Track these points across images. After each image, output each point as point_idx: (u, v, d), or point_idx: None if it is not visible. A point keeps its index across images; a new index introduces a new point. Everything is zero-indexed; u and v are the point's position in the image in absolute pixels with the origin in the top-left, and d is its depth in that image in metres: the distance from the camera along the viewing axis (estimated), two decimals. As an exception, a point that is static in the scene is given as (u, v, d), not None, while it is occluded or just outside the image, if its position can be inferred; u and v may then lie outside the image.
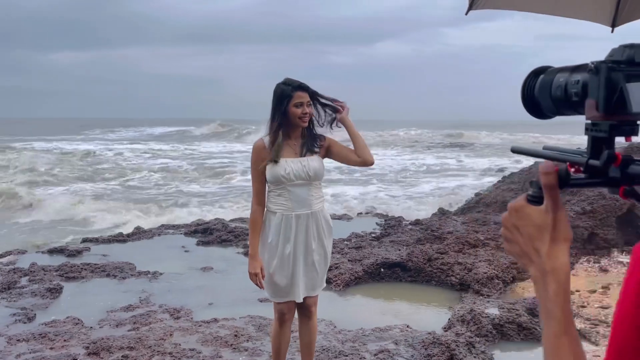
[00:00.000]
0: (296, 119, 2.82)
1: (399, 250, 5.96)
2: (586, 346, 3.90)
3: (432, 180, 14.48)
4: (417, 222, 7.88)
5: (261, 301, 4.74)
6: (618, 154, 0.70)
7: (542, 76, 0.81)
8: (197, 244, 7.19)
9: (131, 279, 5.62)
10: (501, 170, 15.95)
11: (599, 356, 3.64)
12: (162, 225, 8.44)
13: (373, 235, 7.25)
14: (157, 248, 7.04)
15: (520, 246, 0.75)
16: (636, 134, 0.72)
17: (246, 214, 9.20)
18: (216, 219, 8.49)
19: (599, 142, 0.72)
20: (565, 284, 0.70)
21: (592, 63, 0.70)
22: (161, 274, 5.78)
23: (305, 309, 2.99)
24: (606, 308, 4.55)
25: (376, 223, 8.36)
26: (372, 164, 2.91)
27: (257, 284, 2.88)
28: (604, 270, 5.50)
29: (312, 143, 2.89)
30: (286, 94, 2.80)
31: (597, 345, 3.89)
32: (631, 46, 0.70)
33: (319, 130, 2.94)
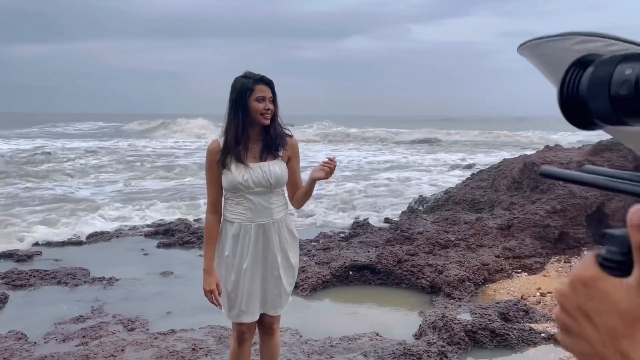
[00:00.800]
0: (257, 115, 2.51)
1: (368, 252, 5.76)
2: (561, 352, 3.77)
3: (396, 176, 14.28)
4: (386, 221, 7.72)
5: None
6: None
7: (590, 68, 0.53)
8: (158, 246, 6.86)
9: (84, 287, 5.26)
10: (469, 166, 15.96)
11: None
12: (121, 226, 8.05)
13: (342, 235, 7.04)
14: (114, 251, 6.68)
15: (592, 345, 0.44)
16: None
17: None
18: (179, 219, 8.13)
19: None
20: None
21: None
22: (117, 279, 5.45)
23: (266, 326, 2.73)
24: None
25: (350, 223, 8.15)
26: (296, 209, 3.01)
27: (213, 302, 2.61)
28: (574, 270, 5.42)
29: (274, 145, 2.59)
30: (247, 87, 2.50)
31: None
32: None
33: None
